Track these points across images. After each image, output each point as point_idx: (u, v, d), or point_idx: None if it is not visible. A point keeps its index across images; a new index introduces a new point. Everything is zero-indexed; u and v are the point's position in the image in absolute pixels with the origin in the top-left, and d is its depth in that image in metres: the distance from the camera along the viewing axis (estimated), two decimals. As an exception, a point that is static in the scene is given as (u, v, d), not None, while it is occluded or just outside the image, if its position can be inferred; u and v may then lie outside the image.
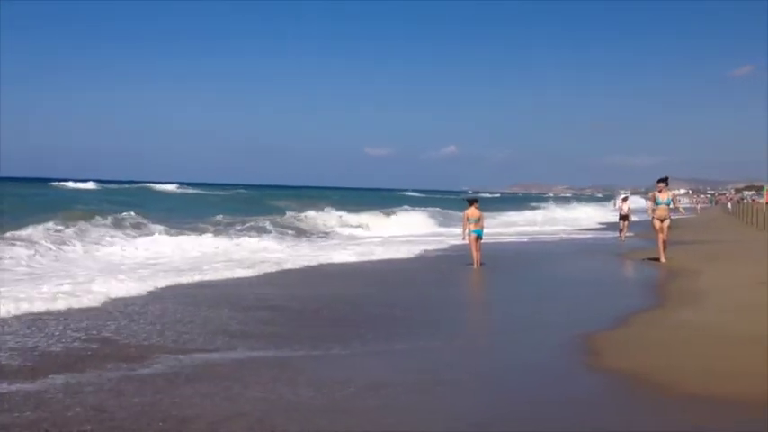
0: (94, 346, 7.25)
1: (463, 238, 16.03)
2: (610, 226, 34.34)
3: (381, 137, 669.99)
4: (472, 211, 15.88)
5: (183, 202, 47.06)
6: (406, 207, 41.02)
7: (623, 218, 26.12)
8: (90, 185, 72.35)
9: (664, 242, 16.45)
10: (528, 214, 52.60)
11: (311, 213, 32.59)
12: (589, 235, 30.20)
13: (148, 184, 78.26)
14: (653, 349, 7.29)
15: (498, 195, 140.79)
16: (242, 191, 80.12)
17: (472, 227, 15.72)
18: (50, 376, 6.00)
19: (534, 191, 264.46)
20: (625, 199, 28.54)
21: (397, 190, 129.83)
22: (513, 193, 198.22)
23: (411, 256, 18.72)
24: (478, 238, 15.69)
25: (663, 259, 16.14)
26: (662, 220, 16.54)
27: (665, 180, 16.69)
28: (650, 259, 16.60)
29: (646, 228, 23.21)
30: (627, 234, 25.63)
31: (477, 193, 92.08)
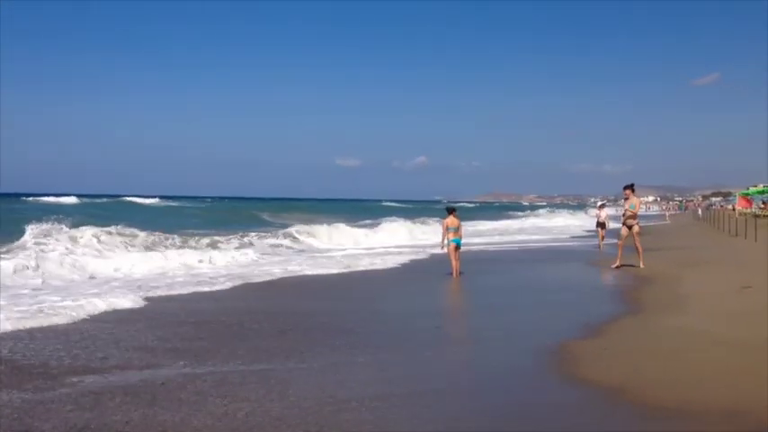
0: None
1: (442, 248, 15.54)
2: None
3: (351, 148, 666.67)
4: (451, 220, 15.40)
5: (165, 214, 46.00)
6: (393, 218, 40.27)
7: (601, 225, 25.57)
8: (72, 200, 70.33)
9: (636, 247, 16.18)
10: (509, 223, 52.33)
11: (302, 227, 31.29)
12: (575, 243, 29.68)
13: (131, 198, 76.76)
14: (638, 356, 6.84)
15: (476, 204, 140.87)
16: (220, 202, 79.06)
17: (451, 236, 15.24)
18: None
19: (505, 200, 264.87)
20: (602, 206, 27.51)
21: (374, 200, 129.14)
22: (489, 203, 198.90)
23: (392, 266, 18.15)
24: (458, 247, 15.22)
25: (641, 265, 15.91)
26: (629, 227, 16.28)
27: (630, 186, 16.45)
28: (628, 266, 16.24)
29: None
30: (605, 242, 24.97)
31: (453, 202, 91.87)
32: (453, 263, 15.01)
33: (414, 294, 12.89)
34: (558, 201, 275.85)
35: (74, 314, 9.48)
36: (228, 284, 13.55)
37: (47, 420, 5.01)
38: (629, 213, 16.35)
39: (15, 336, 8.11)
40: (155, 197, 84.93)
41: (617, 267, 16.00)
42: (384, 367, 6.71)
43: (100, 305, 10.23)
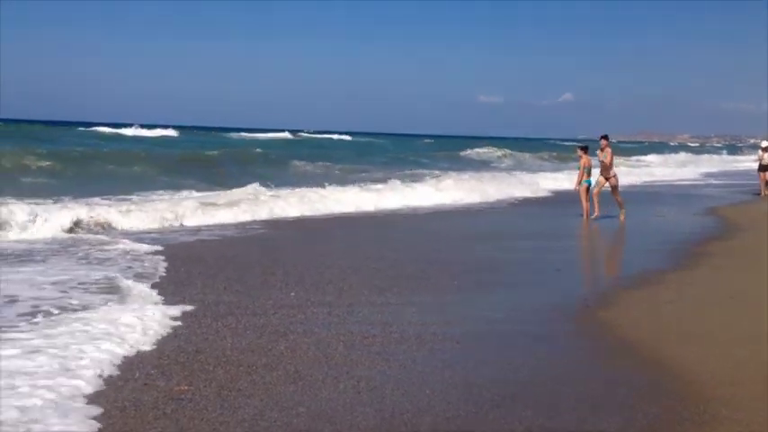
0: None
1: (576, 189, 14.04)
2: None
3: (494, 84, 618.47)
4: (587, 160, 13.84)
5: (365, 150, 43.52)
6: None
7: (763, 168, 19.68)
8: (286, 135, 70.13)
9: (617, 201, 13.69)
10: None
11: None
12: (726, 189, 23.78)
13: (326, 135, 76.72)
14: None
15: (648, 143, 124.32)
16: (389, 138, 76.77)
17: (585, 177, 13.73)
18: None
19: (656, 139, 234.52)
20: (766, 149, 20.01)
21: (557, 139, 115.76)
22: (651, 142, 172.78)
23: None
24: (588, 188, 13.71)
25: (622, 218, 13.44)
26: (606, 179, 13.70)
27: (605, 137, 14.00)
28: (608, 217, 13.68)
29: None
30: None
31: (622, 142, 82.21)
32: (584, 204, 13.64)
33: (545, 234, 11.95)
34: (714, 141, 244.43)
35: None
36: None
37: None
38: (604, 165, 13.74)
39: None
40: (343, 133, 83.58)
41: (594, 218, 13.47)
42: (477, 307, 6.26)
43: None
